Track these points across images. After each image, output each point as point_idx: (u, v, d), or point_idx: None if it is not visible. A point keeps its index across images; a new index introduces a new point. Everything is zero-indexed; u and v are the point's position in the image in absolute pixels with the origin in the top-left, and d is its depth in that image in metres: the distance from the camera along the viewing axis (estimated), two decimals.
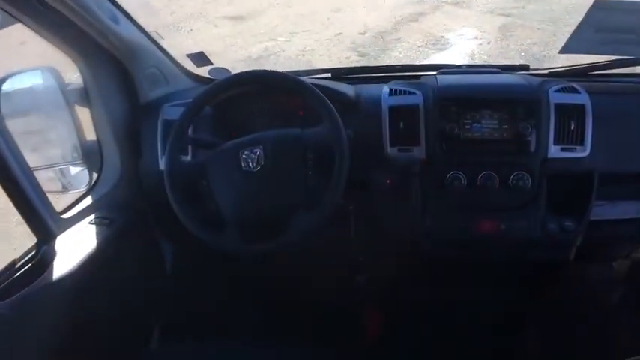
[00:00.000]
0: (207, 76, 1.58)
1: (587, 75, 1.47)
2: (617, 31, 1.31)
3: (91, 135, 1.44)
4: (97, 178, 1.42)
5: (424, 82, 1.27)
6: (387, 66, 1.60)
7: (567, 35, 5.24)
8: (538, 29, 5.44)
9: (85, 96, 1.34)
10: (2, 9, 1.04)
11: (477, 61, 4.77)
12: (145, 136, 1.36)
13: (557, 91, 1.18)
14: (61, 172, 1.48)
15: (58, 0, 1.02)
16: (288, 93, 1.28)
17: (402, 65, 1.56)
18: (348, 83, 1.45)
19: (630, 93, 1.31)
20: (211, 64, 1.56)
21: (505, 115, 1.17)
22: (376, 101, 1.25)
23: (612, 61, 1.40)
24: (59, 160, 1.45)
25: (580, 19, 5.57)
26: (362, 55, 5.06)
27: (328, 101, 1.09)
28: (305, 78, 1.55)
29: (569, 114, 1.15)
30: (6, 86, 1.29)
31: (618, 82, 1.44)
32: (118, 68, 1.29)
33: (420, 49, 5.13)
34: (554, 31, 5.38)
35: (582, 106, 1.15)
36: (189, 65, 1.59)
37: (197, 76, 1.56)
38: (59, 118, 1.40)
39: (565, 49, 1.42)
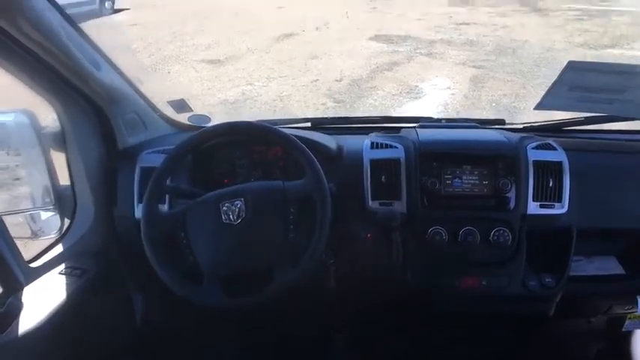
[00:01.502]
0: (187, 122, 1.57)
1: (561, 130, 1.51)
2: (590, 90, 1.37)
3: (64, 179, 1.40)
4: (69, 225, 1.36)
5: (405, 136, 1.28)
6: (366, 117, 1.61)
7: (536, 87, 5.49)
8: (508, 81, 5.68)
9: (60, 140, 1.31)
10: None
11: (451, 111, 4.91)
12: (121, 182, 1.33)
13: (535, 148, 1.21)
14: (31, 217, 1.42)
15: (38, 44, 1.00)
16: (271, 145, 1.27)
17: (382, 117, 1.58)
18: (328, 134, 1.45)
19: (605, 150, 1.35)
20: (191, 111, 1.55)
21: (485, 171, 1.19)
22: (358, 154, 1.26)
23: (585, 117, 1.45)
24: (30, 204, 1.39)
25: (547, 72, 5.86)
26: (338, 101, 5.15)
27: (311, 154, 1.08)
28: (285, 128, 1.56)
29: (548, 171, 1.18)
30: None
31: (591, 139, 1.48)
32: (97, 113, 1.27)
33: (395, 97, 5.26)
34: (524, 83, 5.63)
35: (560, 164, 1.18)
36: (170, 112, 1.58)
37: (177, 122, 1.55)
38: (32, 162, 1.35)
39: (539, 106, 1.46)
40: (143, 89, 1.42)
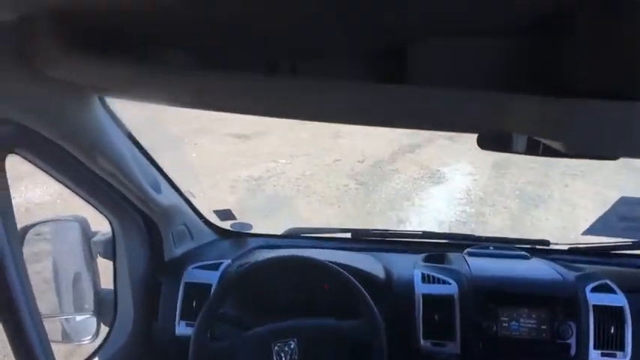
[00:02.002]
0: (230, 229, 1.59)
1: (609, 255, 1.49)
2: (633, 219, 1.38)
3: (106, 285, 1.40)
4: (108, 333, 1.35)
5: (456, 269, 1.27)
6: (408, 232, 1.60)
7: (559, 175, 5.50)
8: (530, 168, 5.71)
9: (109, 248, 1.32)
10: (44, 171, 1.04)
11: (473, 198, 4.91)
12: (164, 296, 1.32)
13: (594, 290, 1.18)
14: (67, 320, 1.42)
15: (105, 170, 1.03)
16: (325, 280, 1.26)
17: (423, 232, 1.58)
18: (370, 248, 1.45)
19: None
20: (235, 219, 1.57)
21: (543, 315, 1.16)
22: (407, 285, 1.24)
23: (633, 242, 1.44)
24: (70, 308, 1.39)
25: (570, 161, 5.88)
26: (360, 183, 5.20)
27: (367, 296, 1.08)
28: (326, 240, 1.56)
29: (608, 316, 1.14)
30: (34, 232, 1.28)
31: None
32: (150, 227, 1.29)
33: (417, 181, 5.30)
34: (546, 172, 5.65)
35: (621, 309, 1.14)
36: (213, 217, 1.61)
37: (221, 229, 1.57)
38: (79, 267, 1.37)
39: (588, 232, 1.45)
40: (194, 200, 1.45)
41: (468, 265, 1.26)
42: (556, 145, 0.51)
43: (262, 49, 0.70)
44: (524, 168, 5.69)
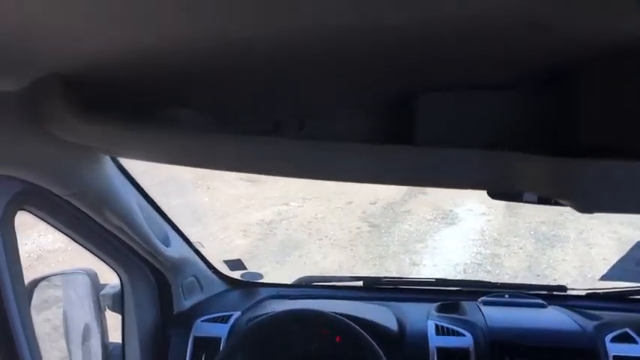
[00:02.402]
0: (240, 279, 1.57)
1: (628, 300, 1.46)
2: None
3: (115, 338, 1.38)
4: None
5: (471, 320, 1.23)
6: (421, 280, 1.58)
7: (572, 214, 5.41)
8: (545, 208, 5.63)
9: (118, 301, 1.31)
10: (52, 226, 1.05)
11: (487, 239, 4.84)
12: (173, 350, 1.30)
13: (614, 340, 1.14)
14: None
15: (113, 224, 1.04)
16: (338, 335, 1.23)
17: (437, 279, 1.55)
18: (382, 297, 1.43)
19: None
20: (245, 269, 1.56)
21: None
22: (421, 337, 1.21)
23: None
24: None
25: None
26: (373, 226, 5.16)
27: (380, 352, 1.05)
28: (337, 290, 1.53)
29: None
30: (43, 285, 1.28)
31: None
32: (159, 280, 1.28)
33: (430, 222, 5.25)
34: (560, 210, 5.56)
35: None
36: (224, 268, 1.60)
37: (231, 279, 1.56)
38: (88, 320, 1.36)
39: (606, 277, 1.42)
40: (203, 251, 1.45)
41: (482, 315, 1.22)
42: (567, 203, 0.50)
43: (270, 108, 0.71)
44: (537, 207, 5.61)
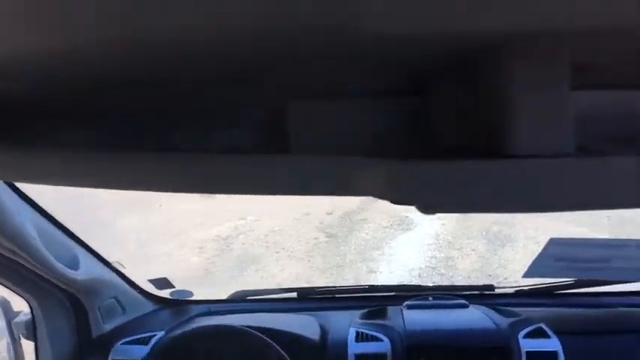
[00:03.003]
0: (169, 297, 1.53)
1: (552, 295, 1.49)
2: (576, 260, 1.39)
3: None
4: None
5: (390, 325, 1.24)
6: (353, 287, 1.58)
7: (521, 215, 5.57)
8: None
9: (31, 329, 1.25)
10: None
11: (442, 243, 4.92)
12: None
13: (527, 335, 1.16)
14: None
15: (8, 250, 0.98)
16: (248, 348, 1.21)
17: (369, 286, 1.55)
18: (315, 307, 1.42)
19: (602, 329, 1.29)
20: (173, 287, 1.52)
21: None
22: (342, 346, 1.20)
23: (575, 281, 1.44)
24: None
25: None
26: (330, 236, 5.16)
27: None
28: (270, 302, 1.52)
29: None
30: None
31: (583, 305, 1.45)
32: (73, 304, 1.23)
33: (386, 229, 5.29)
34: None
35: (555, 354, 1.12)
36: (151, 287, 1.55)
37: (160, 298, 1.51)
38: (4, 351, 1.29)
39: (527, 274, 1.45)
40: (125, 271, 1.40)
41: (403, 319, 1.23)
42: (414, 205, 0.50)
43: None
44: None
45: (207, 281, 4.37)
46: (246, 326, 1.20)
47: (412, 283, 1.60)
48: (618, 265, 1.31)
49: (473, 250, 4.73)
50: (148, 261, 4.79)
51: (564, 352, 1.12)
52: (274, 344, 1.05)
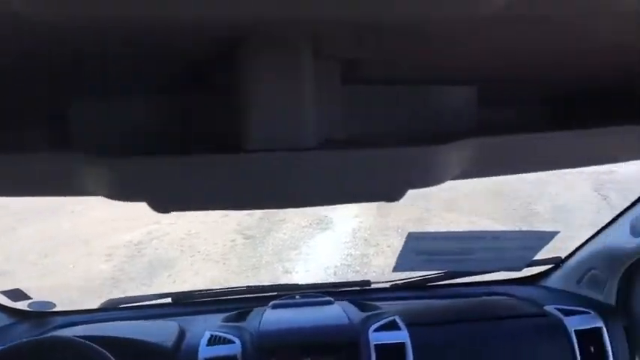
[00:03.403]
0: (28, 309, 1.42)
1: (425, 287, 1.55)
2: (437, 253, 1.45)
3: None
4: None
5: (245, 327, 1.22)
6: (231, 289, 1.54)
7: (438, 209, 5.79)
8: (411, 205, 5.96)
9: None
10: None
11: (358, 240, 5.00)
12: None
13: (378, 329, 1.18)
14: None
15: None
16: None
17: (247, 287, 1.53)
18: (190, 312, 1.38)
19: (459, 318, 1.34)
20: (29, 298, 1.41)
21: None
22: (194, 351, 1.17)
23: (445, 272, 1.50)
24: None
25: (449, 195, 6.25)
26: (247, 237, 5.10)
27: None
28: (140, 308, 1.46)
29: (390, 354, 1.14)
30: None
31: (451, 296, 1.52)
32: None
33: (305, 229, 5.30)
34: (426, 207, 5.93)
35: (402, 345, 1.15)
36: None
37: (15, 310, 1.40)
38: None
39: (395, 269, 1.49)
40: None
41: (260, 319, 1.22)
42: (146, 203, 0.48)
43: None
44: (406, 206, 5.94)
45: (116, 291, 4.17)
46: (100, 336, 1.14)
47: (289, 283, 1.58)
48: (478, 256, 1.37)
49: (388, 246, 4.85)
50: (51, 271, 4.50)
51: (413, 343, 1.15)
52: (107, 354, 1.00)
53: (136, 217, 5.74)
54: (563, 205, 5.72)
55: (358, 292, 1.51)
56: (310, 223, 5.45)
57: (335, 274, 4.36)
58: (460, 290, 1.53)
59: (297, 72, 0.43)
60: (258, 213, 5.77)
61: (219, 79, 0.50)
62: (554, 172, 6.58)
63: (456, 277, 1.55)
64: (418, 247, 1.34)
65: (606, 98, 0.72)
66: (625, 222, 1.20)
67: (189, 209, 0.48)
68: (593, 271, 1.31)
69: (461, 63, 0.57)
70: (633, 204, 1.19)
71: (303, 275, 4.35)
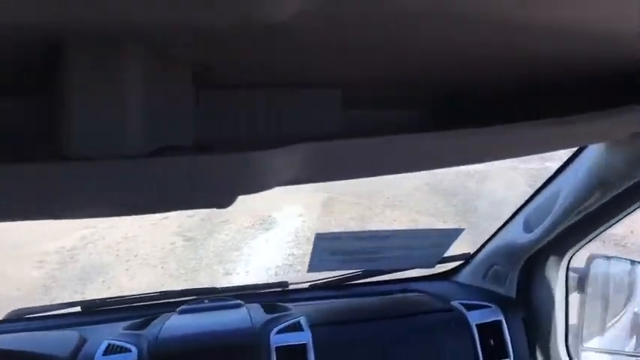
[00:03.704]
0: None
1: (343, 286, 1.55)
2: (349, 253, 1.46)
3: None
4: None
5: (145, 334, 1.18)
6: (143, 295, 1.49)
7: (379, 208, 5.88)
8: (356, 204, 6.03)
9: None
10: None
11: (301, 239, 4.99)
12: None
13: (280, 331, 1.17)
14: None
15: None
16: None
17: (161, 292, 1.48)
18: (96, 320, 1.32)
19: (369, 316, 1.35)
20: None
21: None
22: None
23: (362, 272, 1.51)
24: None
25: (393, 192, 6.36)
26: (188, 239, 4.99)
27: None
28: (46, 319, 1.38)
29: (291, 355, 1.14)
30: None
31: (366, 294, 1.53)
32: None
33: (247, 230, 5.25)
34: (370, 205, 6.00)
35: (304, 346, 1.15)
36: None
37: None
38: None
39: (310, 269, 1.49)
40: None
41: (162, 326, 1.18)
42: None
43: None
44: (350, 204, 6.00)
45: (46, 298, 3.98)
46: None
47: (202, 287, 1.55)
48: (388, 254, 1.39)
49: None
50: None
51: (316, 343, 1.15)
52: None
53: (69, 222, 5.50)
54: (502, 199, 5.93)
55: (276, 294, 1.49)
56: (253, 224, 5.40)
57: (276, 274, 4.34)
58: (377, 288, 1.55)
59: (122, 76, 0.41)
60: (200, 214, 5.66)
61: (45, 84, 0.47)
62: (496, 167, 6.80)
63: (374, 276, 1.56)
64: (331, 247, 1.34)
65: (473, 100, 0.73)
66: (520, 219, 1.25)
67: (12, 219, 0.45)
68: (495, 267, 1.35)
69: (324, 66, 0.56)
70: (527, 201, 1.24)
71: (243, 277, 4.30)
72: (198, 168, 0.46)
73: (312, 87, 0.63)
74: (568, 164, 1.06)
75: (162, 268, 4.46)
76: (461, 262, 1.54)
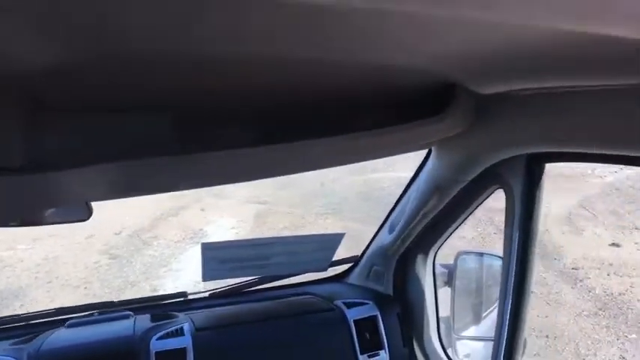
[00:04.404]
0: None
1: (241, 293, 1.59)
2: (238, 260, 1.50)
3: None
4: None
5: (26, 349, 1.17)
6: (41, 312, 1.46)
7: (314, 216, 5.95)
8: (289, 213, 6.07)
9: None
10: None
11: None
12: None
13: (162, 337, 1.20)
14: None
15: None
16: None
17: (57, 309, 1.45)
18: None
19: (255, 319, 1.39)
20: None
21: None
22: None
23: (258, 279, 1.56)
24: None
25: (325, 201, 6.45)
26: (113, 257, 4.84)
27: None
28: None
29: (170, 359, 1.17)
30: None
31: (263, 296, 1.58)
32: None
33: (178, 244, 5.16)
34: (303, 214, 6.07)
35: (183, 350, 1.18)
36: None
37: None
38: None
39: (204, 279, 1.52)
40: None
41: (42, 343, 1.18)
42: None
43: None
44: (283, 214, 6.04)
45: None
46: None
47: (105, 301, 1.53)
48: (277, 260, 1.44)
49: None
50: None
51: (197, 347, 1.18)
52: None
53: None
54: None
55: (174, 305, 1.51)
56: (184, 238, 5.33)
57: (205, 287, 4.29)
58: (272, 293, 1.59)
59: None
60: (127, 231, 5.52)
61: None
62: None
63: (271, 282, 1.61)
64: (217, 256, 1.37)
65: (297, 116, 0.80)
66: (389, 221, 1.34)
67: None
68: (375, 267, 1.44)
69: (151, 91, 0.61)
70: (395, 204, 1.34)
71: (172, 292, 4.23)
72: (7, 188, 0.49)
73: (142, 109, 0.67)
74: (420, 170, 1.16)
75: (85, 288, 4.30)
76: (351, 264, 1.62)
